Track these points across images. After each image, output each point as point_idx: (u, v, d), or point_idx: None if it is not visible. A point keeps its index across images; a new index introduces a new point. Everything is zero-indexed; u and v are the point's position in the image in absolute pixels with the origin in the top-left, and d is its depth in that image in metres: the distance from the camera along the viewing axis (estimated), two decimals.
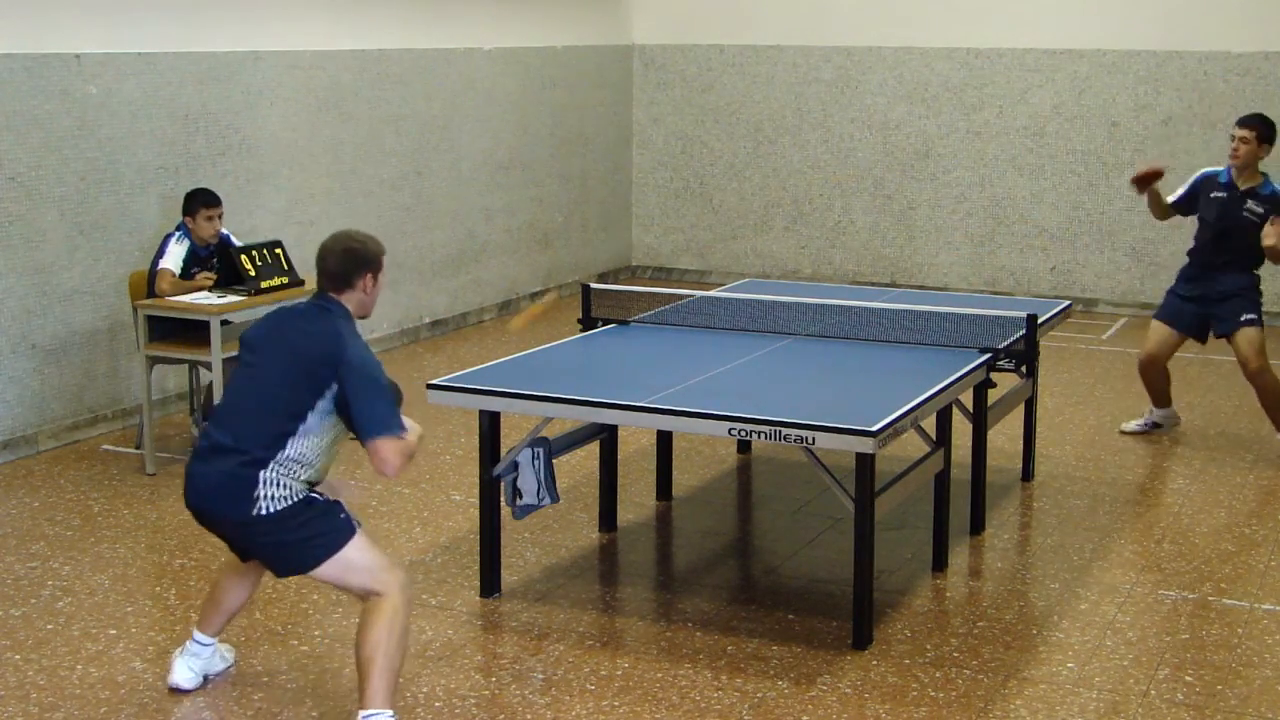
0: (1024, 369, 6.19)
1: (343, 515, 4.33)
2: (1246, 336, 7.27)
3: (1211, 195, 7.31)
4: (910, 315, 6.45)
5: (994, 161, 11.40)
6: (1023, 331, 6.11)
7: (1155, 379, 7.61)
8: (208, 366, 6.90)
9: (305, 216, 8.97)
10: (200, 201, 7.14)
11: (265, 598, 5.47)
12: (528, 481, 5.41)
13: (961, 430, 6.14)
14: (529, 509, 5.48)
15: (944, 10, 11.46)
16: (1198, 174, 7.49)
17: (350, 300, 4.39)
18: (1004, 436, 7.34)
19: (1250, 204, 7.19)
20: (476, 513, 5.69)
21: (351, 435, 4.33)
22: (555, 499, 5.47)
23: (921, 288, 11.27)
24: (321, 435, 4.28)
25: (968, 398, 6.07)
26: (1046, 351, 8.06)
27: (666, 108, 12.41)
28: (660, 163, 12.51)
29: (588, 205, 11.98)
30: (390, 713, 4.25)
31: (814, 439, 4.75)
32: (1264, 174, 7.25)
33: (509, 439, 5.69)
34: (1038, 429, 7.08)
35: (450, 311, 10.41)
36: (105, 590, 5.55)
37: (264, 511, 4.21)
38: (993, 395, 6.21)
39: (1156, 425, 7.76)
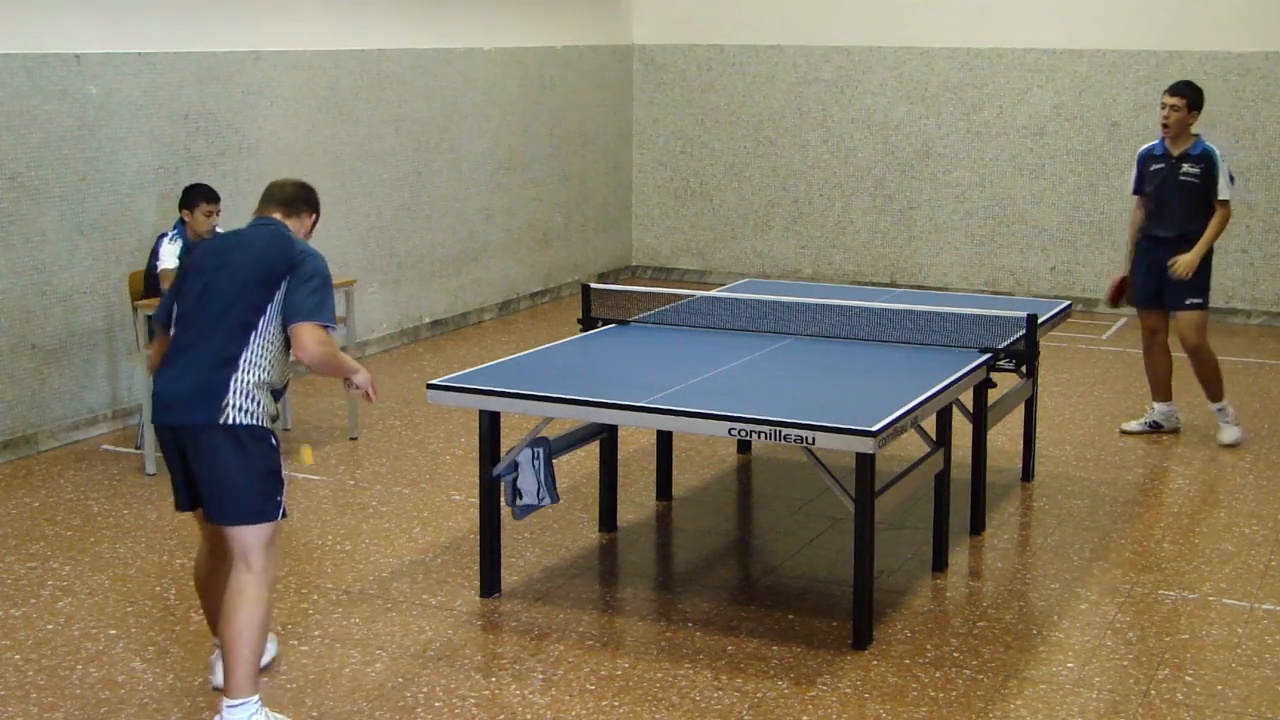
0: (1024, 369, 6.19)
1: (280, 494, 4.37)
2: (1188, 320, 7.48)
3: (1152, 169, 7.52)
4: (910, 315, 6.45)
5: (994, 161, 11.40)
6: (1023, 331, 6.11)
7: (1154, 363, 7.70)
8: None
9: None
10: (202, 195, 7.13)
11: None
12: (528, 481, 5.40)
13: (961, 430, 6.14)
14: (529, 509, 5.48)
15: (944, 10, 11.47)
16: (1138, 152, 7.67)
17: (294, 228, 4.56)
18: (1004, 436, 7.34)
19: (1185, 166, 7.38)
20: (476, 513, 5.69)
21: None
22: (555, 499, 5.47)
23: (921, 288, 11.27)
24: (276, 335, 4.37)
25: (968, 398, 6.07)
26: (1046, 351, 8.06)
27: (666, 108, 12.41)
28: (660, 163, 12.51)
29: (587, 205, 11.98)
30: (257, 698, 4.30)
31: (814, 439, 4.75)
32: (1195, 134, 7.44)
33: (509, 439, 5.69)
34: (1038, 429, 7.08)
35: (450, 311, 10.41)
36: (105, 590, 5.55)
37: (229, 421, 4.26)
38: (993, 395, 6.21)
39: (1157, 425, 7.77)
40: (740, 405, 4.97)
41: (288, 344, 4.40)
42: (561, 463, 6.43)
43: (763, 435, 4.79)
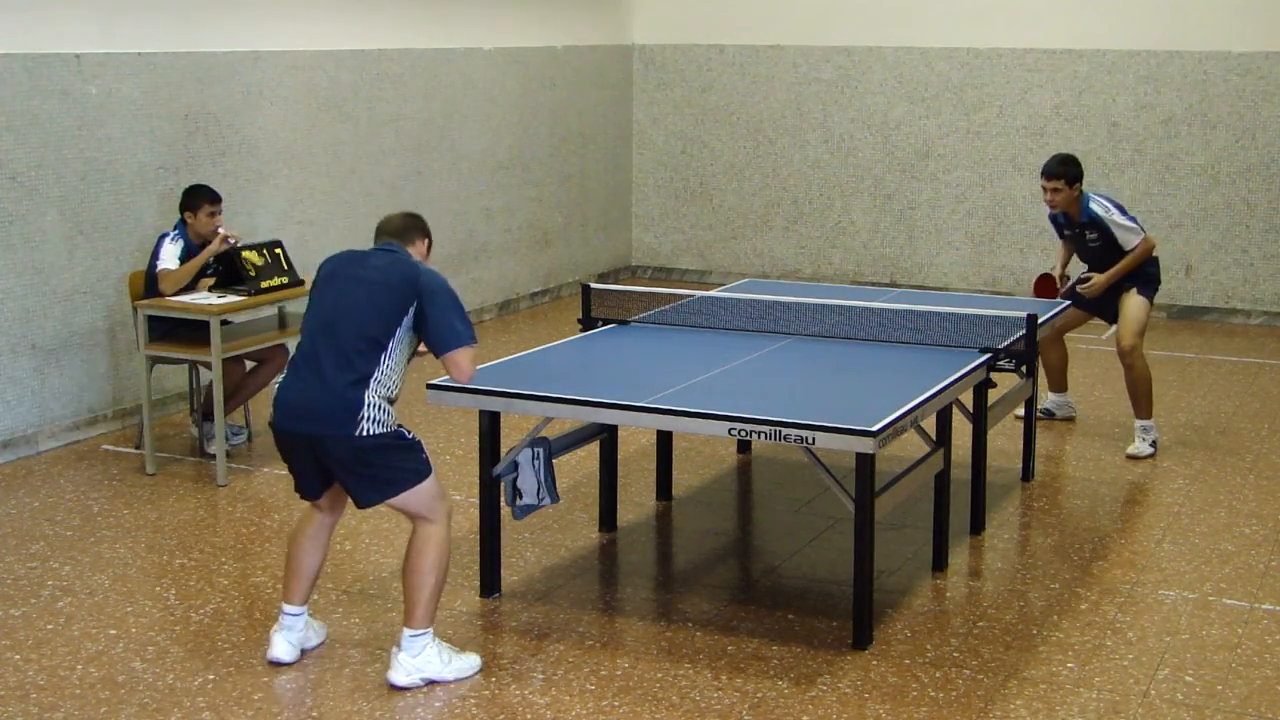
0: (1024, 369, 6.19)
1: (424, 455, 4.73)
2: (1131, 315, 7.35)
3: (1065, 233, 7.61)
4: (910, 315, 6.45)
5: (994, 161, 11.40)
6: (1023, 331, 6.12)
7: (1049, 356, 7.70)
8: (208, 366, 6.90)
9: (305, 216, 8.97)
10: (204, 197, 7.14)
11: (266, 598, 5.48)
12: (528, 481, 5.40)
13: (962, 430, 6.14)
14: (529, 509, 5.47)
15: (944, 10, 11.46)
16: (1048, 216, 7.67)
17: (411, 254, 4.83)
18: (1004, 436, 7.34)
19: (1088, 234, 7.44)
20: (476, 513, 5.69)
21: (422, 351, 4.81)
22: (555, 499, 5.47)
23: (921, 288, 11.27)
24: (402, 352, 4.69)
25: (968, 398, 6.07)
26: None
27: (666, 108, 12.41)
28: (660, 163, 12.51)
29: (587, 205, 11.98)
30: (431, 630, 4.72)
31: (814, 439, 4.75)
32: (1081, 195, 7.39)
33: (509, 439, 5.69)
34: (1038, 429, 7.07)
35: None
36: (105, 590, 5.55)
37: (365, 433, 4.57)
38: (993, 395, 6.21)
39: (1049, 413, 7.84)
40: (740, 405, 4.97)
41: (409, 359, 4.74)
42: (561, 463, 6.43)
43: (763, 435, 4.79)
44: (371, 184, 9.56)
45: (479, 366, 5.79)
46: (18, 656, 4.96)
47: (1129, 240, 7.36)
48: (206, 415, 7.13)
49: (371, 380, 4.60)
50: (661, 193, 12.54)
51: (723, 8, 12.18)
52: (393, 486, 4.67)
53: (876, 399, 5.10)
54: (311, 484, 4.81)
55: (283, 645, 4.88)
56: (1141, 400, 7.37)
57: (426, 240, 4.96)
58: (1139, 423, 7.41)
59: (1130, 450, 7.34)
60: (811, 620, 5.29)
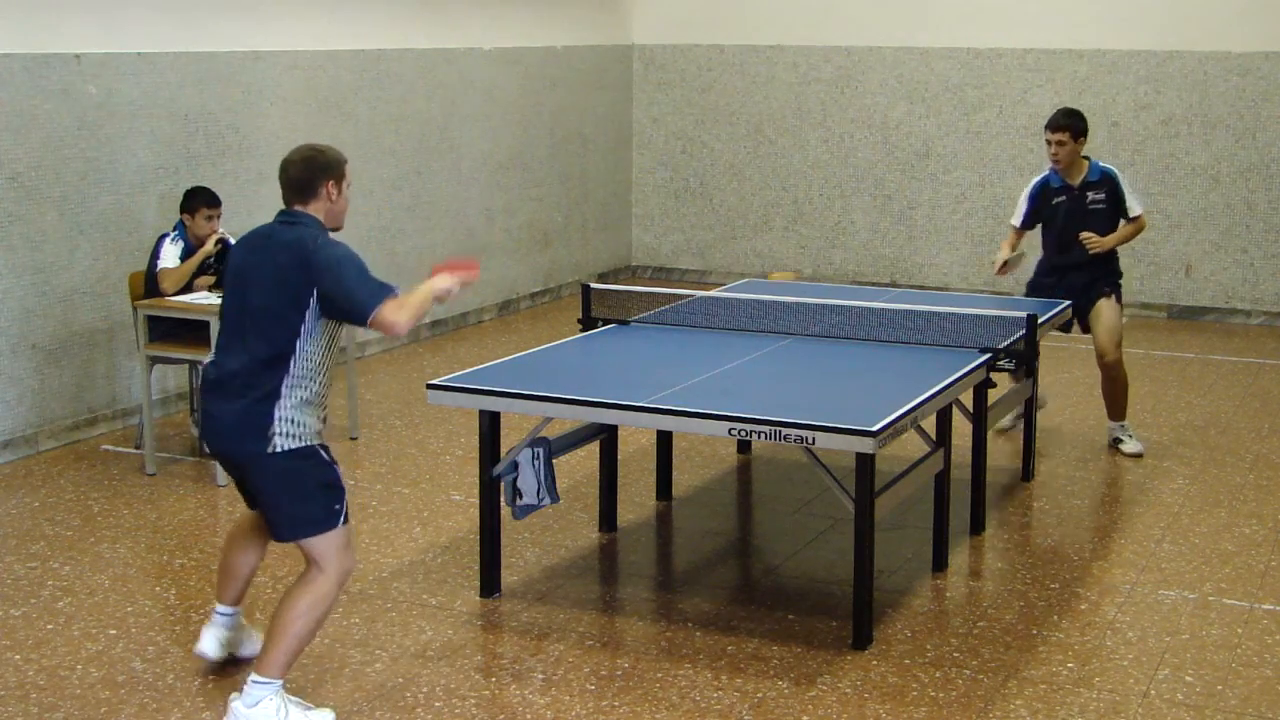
0: (1024, 369, 6.19)
1: (339, 500, 4.42)
2: (1108, 324, 7.31)
3: (1054, 202, 7.32)
4: (910, 315, 6.45)
5: (994, 161, 11.40)
6: (1023, 331, 6.12)
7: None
8: None
9: None
10: (202, 201, 7.14)
11: (265, 598, 5.48)
12: (528, 481, 5.40)
13: (961, 430, 6.14)
14: (529, 509, 5.47)
15: (944, 10, 11.46)
16: (1030, 187, 7.41)
17: (317, 209, 4.48)
18: (1004, 436, 7.33)
19: (1090, 194, 7.26)
20: (476, 513, 5.69)
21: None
22: (555, 499, 5.47)
23: (921, 288, 11.27)
24: (316, 345, 4.36)
25: (968, 398, 6.07)
26: (1046, 351, 8.05)
27: (666, 108, 12.41)
28: (660, 163, 12.51)
29: (587, 205, 11.98)
30: (280, 682, 4.36)
31: (814, 439, 4.75)
32: (1086, 158, 7.30)
33: (509, 439, 5.69)
34: (1038, 429, 7.08)
35: (450, 312, 10.41)
36: (105, 590, 5.55)
37: (277, 449, 4.31)
38: (992, 395, 6.21)
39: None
40: (740, 405, 4.97)
41: (328, 348, 4.41)
42: (561, 463, 6.43)
43: (763, 435, 4.79)
44: (371, 184, 9.56)
45: (482, 366, 5.81)
46: (18, 656, 4.96)
47: (1134, 207, 7.31)
48: None
49: (282, 389, 4.31)
50: (661, 193, 12.54)
51: (723, 8, 12.18)
52: (299, 523, 4.36)
53: (876, 399, 5.10)
54: (245, 495, 4.64)
55: (209, 641, 4.78)
56: (1122, 403, 7.38)
57: (330, 179, 4.48)
58: (1121, 424, 7.43)
59: (1131, 449, 7.34)
60: (811, 620, 5.29)
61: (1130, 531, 6.28)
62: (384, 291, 4.32)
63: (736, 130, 12.20)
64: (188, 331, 6.96)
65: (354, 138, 9.38)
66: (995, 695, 4.71)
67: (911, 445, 6.50)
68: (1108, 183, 7.29)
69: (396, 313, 4.31)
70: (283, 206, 4.57)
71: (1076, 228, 7.27)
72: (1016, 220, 7.44)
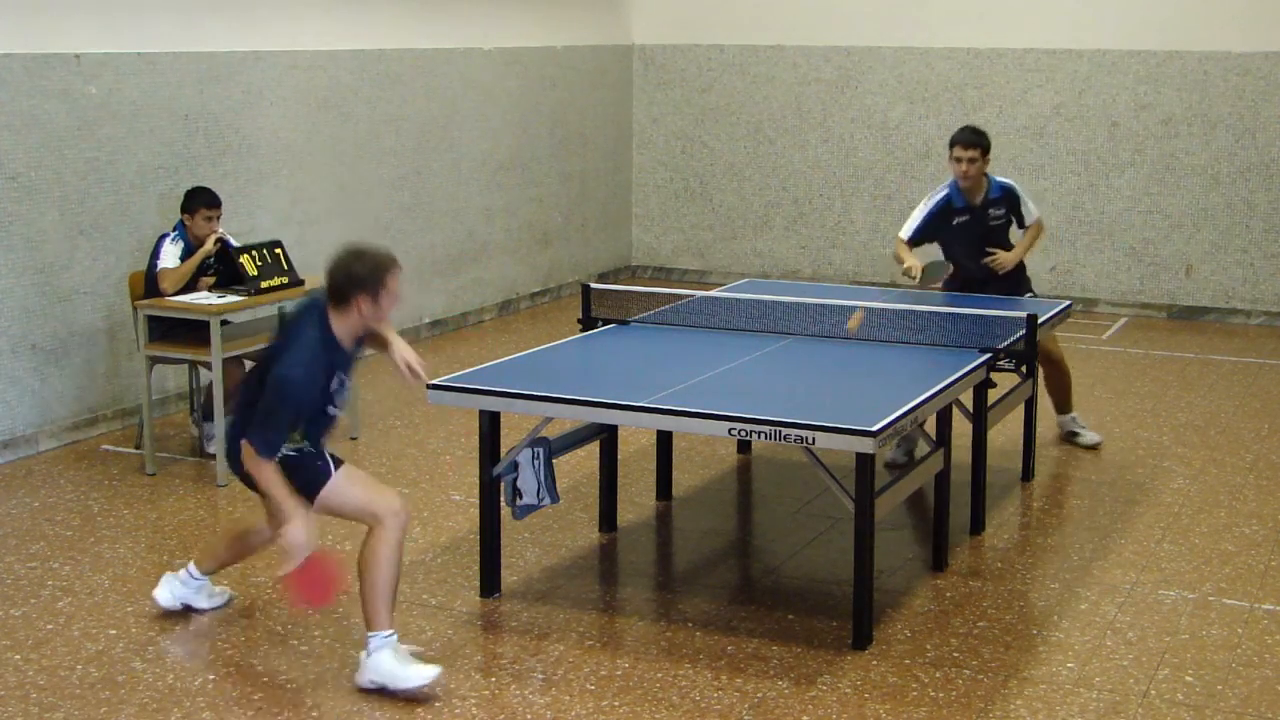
0: (1024, 369, 6.19)
1: (319, 463, 4.77)
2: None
3: (954, 222, 7.24)
4: (910, 315, 6.45)
5: (994, 161, 11.34)
6: (1023, 331, 6.12)
7: None
8: (208, 366, 6.90)
9: (305, 216, 8.97)
10: (201, 201, 7.14)
11: (265, 598, 5.48)
12: (528, 481, 5.40)
13: (962, 430, 6.14)
14: (529, 509, 5.47)
15: (944, 10, 11.46)
16: (930, 205, 7.28)
17: (345, 314, 4.67)
18: (1004, 436, 7.34)
19: (991, 211, 7.28)
20: (476, 513, 5.68)
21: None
22: (555, 499, 5.47)
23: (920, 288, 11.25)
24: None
25: (968, 398, 6.07)
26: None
27: (666, 108, 12.41)
28: (660, 163, 12.51)
29: (588, 205, 11.98)
30: (390, 631, 4.66)
31: (814, 439, 4.75)
32: (985, 175, 7.30)
33: (509, 439, 5.69)
34: (1038, 429, 7.08)
35: (450, 312, 10.41)
36: (105, 590, 5.55)
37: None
38: (993, 395, 6.21)
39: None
40: (740, 405, 4.97)
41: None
42: (561, 463, 6.43)
43: (763, 435, 4.79)
44: (371, 184, 9.56)
45: (482, 366, 5.81)
46: (18, 656, 4.96)
47: (1030, 215, 7.38)
48: (206, 415, 7.13)
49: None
50: (661, 193, 12.54)
51: (723, 8, 12.18)
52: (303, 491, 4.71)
53: (876, 399, 5.10)
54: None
55: (164, 591, 5.24)
56: (1069, 396, 7.47)
57: (363, 296, 4.65)
58: (1072, 416, 7.50)
59: (1088, 440, 7.44)
60: (811, 620, 5.29)
61: (1130, 531, 6.27)
62: (260, 439, 4.59)
63: (736, 130, 12.20)
64: (188, 331, 6.96)
65: (354, 138, 9.38)
66: (995, 695, 4.71)
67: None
68: (1008, 198, 7.32)
69: (249, 457, 4.64)
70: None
71: (979, 245, 7.27)
72: (906, 233, 7.22)
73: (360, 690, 4.66)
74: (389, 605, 4.67)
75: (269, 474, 4.61)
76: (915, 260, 6.97)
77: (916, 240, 7.22)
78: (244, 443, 4.64)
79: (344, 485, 4.75)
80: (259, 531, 5.13)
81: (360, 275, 4.60)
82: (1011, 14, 11.28)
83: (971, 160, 7.15)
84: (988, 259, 7.23)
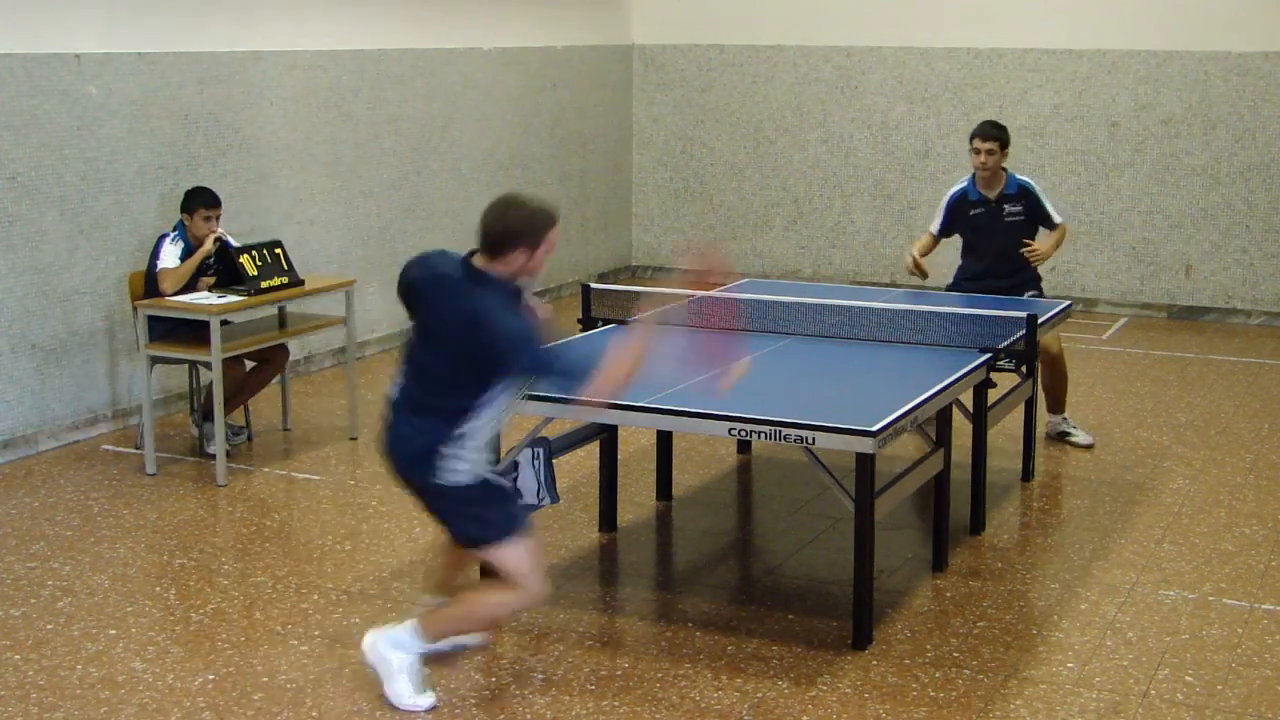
0: (1024, 369, 6.19)
1: (519, 509, 4.61)
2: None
3: (970, 214, 7.47)
4: (910, 315, 6.45)
5: None
6: (1023, 331, 6.11)
7: None
8: (208, 366, 6.90)
9: (305, 216, 8.97)
10: (201, 201, 7.14)
11: (265, 598, 5.48)
12: (528, 481, 5.40)
13: (962, 430, 6.14)
14: (529, 509, 5.47)
15: (944, 10, 11.46)
16: (947, 198, 7.57)
17: (504, 266, 4.34)
18: (1004, 436, 7.34)
19: (1007, 207, 7.41)
20: None
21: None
22: (555, 499, 5.47)
23: (921, 288, 11.26)
24: (496, 408, 4.44)
25: (968, 398, 6.06)
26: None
27: (666, 108, 12.41)
28: (660, 163, 12.51)
29: (588, 205, 11.98)
30: (429, 648, 4.57)
31: (814, 439, 4.75)
32: (1004, 171, 7.43)
33: (509, 439, 5.69)
34: (1038, 429, 7.08)
35: None
36: (105, 590, 5.55)
37: (444, 482, 4.42)
38: (992, 395, 6.21)
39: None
40: (740, 405, 4.97)
41: (504, 409, 4.47)
42: (561, 463, 6.43)
43: (763, 435, 4.79)
44: (371, 184, 9.56)
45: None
46: (18, 656, 4.96)
47: (1055, 217, 7.49)
48: (206, 415, 7.12)
49: (449, 439, 4.40)
50: (661, 193, 12.54)
51: (723, 8, 12.18)
52: (477, 535, 4.52)
53: (876, 399, 5.10)
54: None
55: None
56: (1064, 396, 7.53)
57: (524, 247, 4.30)
58: (1063, 416, 7.56)
59: (1081, 441, 7.49)
60: (811, 620, 5.29)
61: (1130, 531, 6.27)
62: (578, 378, 4.29)
63: (736, 130, 12.20)
64: (188, 331, 6.96)
65: (354, 138, 9.38)
66: (995, 695, 4.71)
67: (911, 445, 6.51)
68: (1025, 196, 7.43)
69: (603, 385, 4.26)
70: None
71: (993, 239, 7.43)
72: (934, 227, 7.59)
73: (363, 653, 4.62)
74: (452, 632, 4.64)
75: (614, 373, 4.24)
76: (917, 253, 7.40)
77: (944, 232, 7.58)
78: (579, 390, 4.24)
79: (526, 547, 4.51)
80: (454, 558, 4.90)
81: (519, 227, 4.31)
82: (1011, 14, 11.28)
83: (990, 152, 7.30)
84: (1025, 249, 7.35)
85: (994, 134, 7.31)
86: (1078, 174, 11.17)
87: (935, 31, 11.47)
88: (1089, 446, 7.48)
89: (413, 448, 4.42)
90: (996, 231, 7.43)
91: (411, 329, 4.54)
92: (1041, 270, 11.31)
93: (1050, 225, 7.49)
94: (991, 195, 7.41)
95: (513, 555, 4.48)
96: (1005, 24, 11.29)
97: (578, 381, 4.26)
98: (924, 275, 7.44)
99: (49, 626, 5.21)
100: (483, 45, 10.53)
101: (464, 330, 4.31)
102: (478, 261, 4.38)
